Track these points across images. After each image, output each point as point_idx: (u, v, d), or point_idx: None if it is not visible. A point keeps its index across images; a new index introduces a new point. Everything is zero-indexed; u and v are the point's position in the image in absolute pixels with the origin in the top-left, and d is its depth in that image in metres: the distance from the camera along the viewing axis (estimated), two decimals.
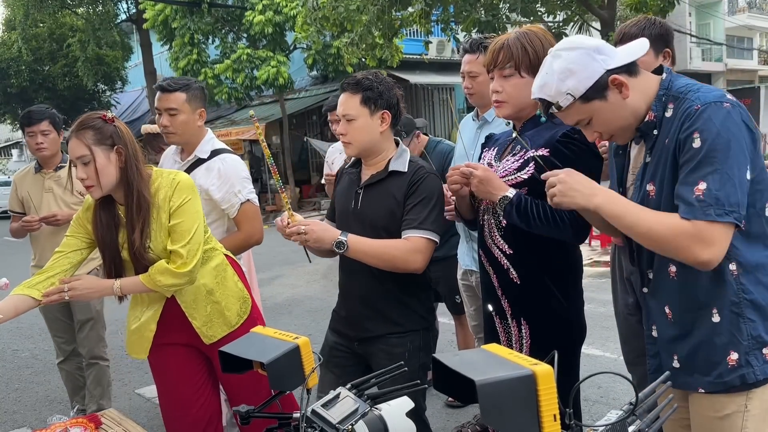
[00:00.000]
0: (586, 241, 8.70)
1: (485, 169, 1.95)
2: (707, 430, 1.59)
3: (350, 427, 1.17)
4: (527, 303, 1.99)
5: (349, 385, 1.29)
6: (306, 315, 6.24)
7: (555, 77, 1.54)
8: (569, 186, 1.55)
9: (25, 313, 2.13)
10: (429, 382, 1.18)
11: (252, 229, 2.75)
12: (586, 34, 11.20)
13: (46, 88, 21.85)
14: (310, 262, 2.40)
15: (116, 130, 2.10)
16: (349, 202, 2.20)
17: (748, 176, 1.43)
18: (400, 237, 2.07)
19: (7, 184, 20.98)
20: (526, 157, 1.95)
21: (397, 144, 2.21)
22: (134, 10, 19.62)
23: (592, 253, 8.07)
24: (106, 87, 22.34)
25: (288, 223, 2.07)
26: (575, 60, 1.52)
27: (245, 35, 15.87)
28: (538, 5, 9.66)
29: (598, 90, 1.53)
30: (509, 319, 2.03)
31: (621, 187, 1.73)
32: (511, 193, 1.89)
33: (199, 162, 2.75)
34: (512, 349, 1.91)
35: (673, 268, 1.56)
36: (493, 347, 1.05)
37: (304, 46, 15.15)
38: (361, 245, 2.04)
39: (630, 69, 1.55)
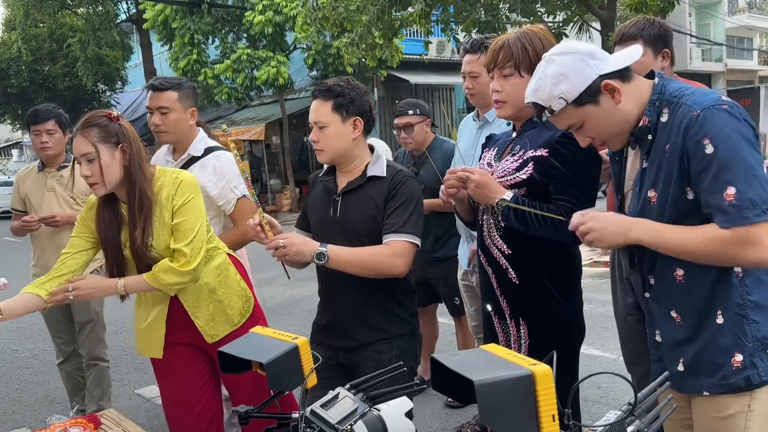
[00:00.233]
0: None
1: (482, 173, 1.95)
2: (710, 431, 1.58)
3: (349, 427, 1.17)
4: (526, 303, 1.99)
5: (348, 386, 1.29)
6: (306, 315, 6.24)
7: (548, 81, 1.55)
8: (605, 230, 1.55)
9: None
10: (428, 382, 1.18)
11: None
12: (586, 34, 11.20)
13: (46, 89, 21.85)
14: (289, 278, 2.35)
15: (121, 129, 2.12)
16: (326, 210, 2.17)
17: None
18: (381, 242, 2.06)
19: (6, 184, 20.99)
20: (525, 158, 1.95)
21: (372, 149, 2.20)
22: (134, 11, 19.63)
23: (592, 253, 8.06)
24: (106, 87, 22.34)
25: (258, 223, 2.02)
26: (569, 64, 1.53)
27: (245, 35, 15.87)
28: (538, 5, 9.66)
29: (590, 95, 1.53)
30: (508, 319, 2.04)
31: (619, 194, 1.73)
32: (508, 195, 1.89)
33: (193, 160, 2.75)
34: (511, 349, 1.92)
35: (680, 272, 1.56)
36: (491, 347, 1.05)
37: (304, 46, 15.14)
38: (342, 255, 2.00)
39: (623, 74, 1.56)
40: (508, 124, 2.20)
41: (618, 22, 9.61)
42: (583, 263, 2.14)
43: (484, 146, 2.29)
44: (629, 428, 1.06)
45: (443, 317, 4.07)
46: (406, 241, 2.03)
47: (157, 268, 2.11)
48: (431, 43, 11.99)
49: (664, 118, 1.53)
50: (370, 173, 2.11)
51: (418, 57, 13.84)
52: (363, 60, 10.69)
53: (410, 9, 9.91)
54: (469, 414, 3.42)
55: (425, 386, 1.34)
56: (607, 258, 7.37)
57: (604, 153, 2.05)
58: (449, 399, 3.64)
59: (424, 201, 3.43)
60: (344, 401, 1.24)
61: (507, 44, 1.97)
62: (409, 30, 11.98)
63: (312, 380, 1.27)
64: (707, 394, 1.55)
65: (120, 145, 2.09)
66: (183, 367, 2.33)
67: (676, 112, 1.50)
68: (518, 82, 1.96)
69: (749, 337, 1.49)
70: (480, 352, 1.04)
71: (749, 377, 1.50)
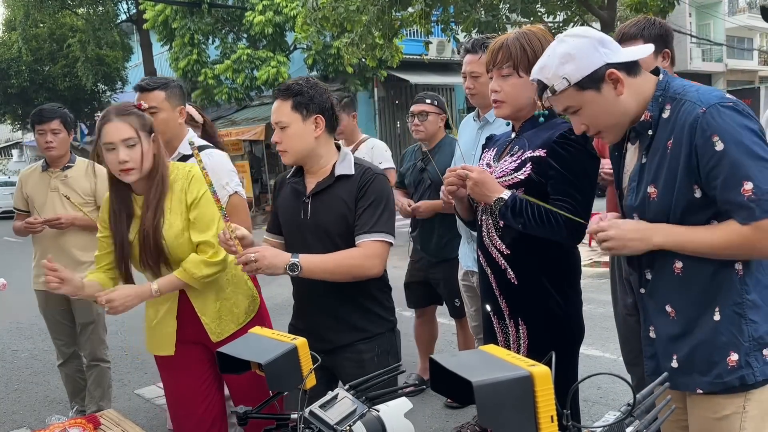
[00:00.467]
0: (586, 241, 8.68)
1: (480, 171, 1.95)
2: None
3: (348, 427, 1.17)
4: (525, 303, 1.99)
5: (347, 386, 1.29)
6: None
7: (555, 60, 1.56)
8: (623, 238, 1.55)
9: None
10: (427, 383, 1.18)
11: (240, 221, 2.74)
12: None
13: (47, 89, 21.87)
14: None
15: (151, 120, 2.21)
16: (296, 213, 2.14)
17: None
18: (354, 242, 2.05)
19: (7, 184, 21.00)
20: (523, 158, 1.95)
21: (339, 148, 2.18)
22: (134, 11, 19.63)
23: (592, 253, 8.06)
24: (106, 87, 22.36)
25: (228, 236, 1.98)
26: (578, 47, 1.54)
27: (245, 35, 15.88)
28: (538, 5, 9.66)
29: (594, 80, 1.53)
30: (507, 320, 2.03)
31: (618, 189, 1.73)
32: (506, 194, 1.89)
33: (184, 159, 2.75)
34: (510, 349, 1.91)
35: (678, 264, 1.56)
36: (490, 348, 1.05)
37: (304, 46, 15.15)
38: (315, 264, 1.98)
39: (630, 68, 1.56)
40: (508, 124, 2.20)
41: (618, 23, 9.61)
42: (582, 263, 2.14)
43: (484, 146, 2.29)
44: (628, 429, 1.06)
45: (443, 317, 4.07)
46: (379, 241, 2.02)
47: (188, 264, 2.14)
48: (431, 43, 11.99)
49: (666, 114, 1.53)
50: (338, 172, 2.09)
51: (419, 57, 13.85)
52: (363, 60, 10.69)
53: (410, 9, 9.90)
54: (469, 414, 3.42)
55: (425, 387, 1.34)
56: (606, 258, 7.38)
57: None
58: (448, 399, 3.64)
59: (427, 203, 3.47)
60: (343, 402, 1.23)
61: (505, 44, 1.97)
62: (410, 30, 11.98)
63: (311, 381, 1.27)
64: (701, 391, 1.55)
65: (152, 134, 2.17)
66: (189, 365, 2.33)
67: (679, 109, 1.50)
68: (516, 82, 1.96)
69: (746, 336, 1.49)
70: (478, 353, 1.04)
71: (744, 377, 1.50)
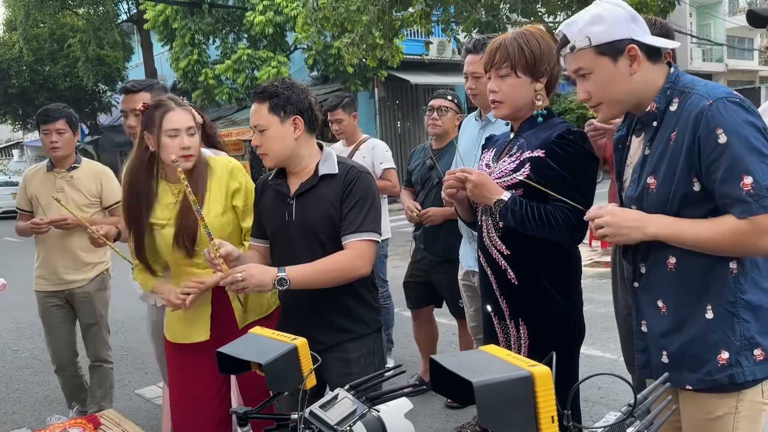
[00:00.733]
0: (586, 241, 8.66)
1: (479, 173, 1.95)
2: None
3: (348, 428, 1.17)
4: (525, 304, 1.99)
5: (347, 386, 1.28)
6: None
7: (586, 18, 1.57)
8: (618, 225, 1.55)
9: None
10: (428, 383, 1.17)
11: None
12: None
13: (47, 89, 21.88)
14: (246, 311, 2.30)
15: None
16: (281, 215, 2.12)
17: None
18: (341, 241, 2.04)
19: (8, 184, 21.00)
20: (521, 159, 1.95)
21: (321, 147, 2.17)
22: (135, 11, 19.65)
23: (592, 253, 8.06)
24: (106, 87, 22.35)
25: (213, 255, 1.96)
26: (611, 13, 1.55)
27: (246, 36, 15.88)
28: (538, 6, 9.65)
29: (613, 49, 1.55)
30: (507, 320, 2.03)
31: (619, 181, 1.74)
32: (505, 196, 1.89)
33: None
34: (511, 350, 1.91)
35: (672, 260, 1.56)
36: (491, 348, 1.05)
37: (305, 46, 15.15)
38: (304, 273, 1.96)
39: (650, 52, 1.57)
40: (507, 125, 2.20)
41: None
42: (583, 263, 2.13)
43: (483, 147, 2.29)
44: (629, 429, 1.05)
45: (443, 317, 4.07)
46: (365, 240, 2.02)
47: None
48: (432, 43, 11.98)
49: (673, 107, 1.54)
50: (321, 172, 2.08)
51: (419, 57, 13.83)
52: (363, 60, 10.68)
53: (411, 9, 9.89)
54: (469, 415, 3.42)
55: (425, 387, 1.33)
56: (607, 258, 7.39)
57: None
58: (449, 400, 3.64)
59: (437, 209, 3.45)
60: (343, 402, 1.23)
61: (503, 45, 1.97)
62: (410, 30, 11.97)
63: (311, 381, 1.27)
64: (690, 388, 1.55)
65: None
66: (201, 363, 2.26)
67: (686, 102, 1.51)
68: (514, 82, 1.96)
69: (738, 335, 1.49)
70: (479, 353, 1.04)
71: (733, 375, 1.50)
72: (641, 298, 1.67)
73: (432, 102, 3.66)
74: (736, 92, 1.50)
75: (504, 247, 1.99)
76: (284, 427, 1.29)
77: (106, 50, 20.46)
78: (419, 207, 3.55)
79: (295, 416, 1.25)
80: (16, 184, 19.33)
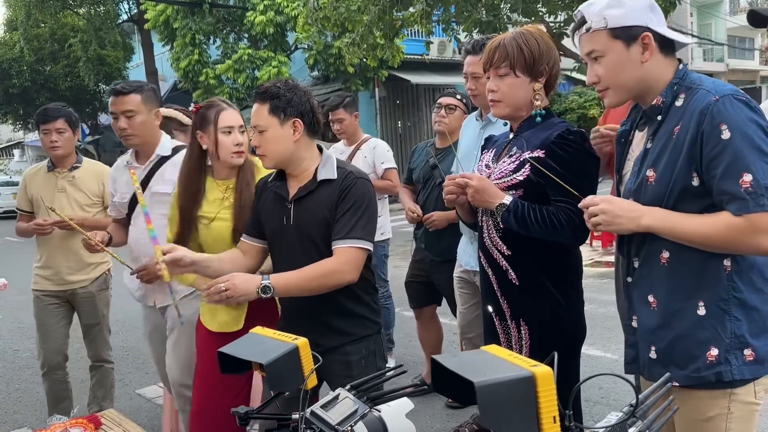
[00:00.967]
0: (587, 241, 8.65)
1: (480, 178, 1.95)
2: None
3: (350, 428, 1.17)
4: (526, 304, 1.99)
5: (348, 386, 1.28)
6: None
7: (606, 0, 1.57)
8: (613, 214, 1.55)
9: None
10: (430, 386, 1.17)
11: None
12: None
13: (48, 89, 21.91)
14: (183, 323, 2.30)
15: None
16: (279, 218, 2.11)
17: None
18: None
19: (8, 184, 21.01)
20: (521, 159, 1.95)
21: (321, 150, 2.15)
22: (135, 11, 19.65)
23: (593, 253, 8.06)
24: (107, 87, 22.37)
25: (156, 260, 1.94)
26: None
27: (246, 35, 15.88)
28: (539, 5, 9.64)
29: (628, 35, 1.55)
30: (509, 320, 2.03)
31: (618, 174, 1.74)
32: (507, 199, 1.89)
33: (163, 160, 2.73)
34: (512, 350, 1.91)
35: (665, 254, 1.55)
36: (492, 348, 1.05)
37: (306, 46, 15.15)
38: (288, 281, 1.96)
39: (664, 43, 1.58)
40: (505, 125, 2.20)
41: None
42: (584, 263, 2.13)
43: (483, 147, 2.29)
44: (630, 430, 1.05)
45: (443, 317, 4.06)
46: (353, 247, 1.99)
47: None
48: (432, 43, 11.98)
49: (679, 102, 1.55)
50: (320, 177, 2.06)
51: (420, 57, 13.83)
52: (364, 60, 10.68)
53: (411, 9, 9.89)
54: (470, 415, 3.42)
55: (426, 387, 1.33)
56: (608, 258, 7.39)
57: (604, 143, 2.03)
58: (450, 400, 3.63)
59: (441, 213, 3.45)
60: (344, 402, 1.23)
61: (502, 44, 1.97)
62: (411, 30, 11.96)
63: (312, 381, 1.26)
64: (677, 384, 1.54)
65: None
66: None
67: (692, 97, 1.51)
68: (513, 81, 1.96)
69: (728, 332, 1.49)
70: (480, 353, 1.04)
71: (721, 373, 1.49)
72: (633, 293, 1.67)
73: (441, 99, 3.67)
74: (742, 91, 1.51)
75: (505, 248, 1.99)
76: (285, 427, 1.29)
77: (107, 50, 20.48)
78: (419, 211, 3.54)
79: (296, 416, 1.25)
80: (16, 184, 19.31)
